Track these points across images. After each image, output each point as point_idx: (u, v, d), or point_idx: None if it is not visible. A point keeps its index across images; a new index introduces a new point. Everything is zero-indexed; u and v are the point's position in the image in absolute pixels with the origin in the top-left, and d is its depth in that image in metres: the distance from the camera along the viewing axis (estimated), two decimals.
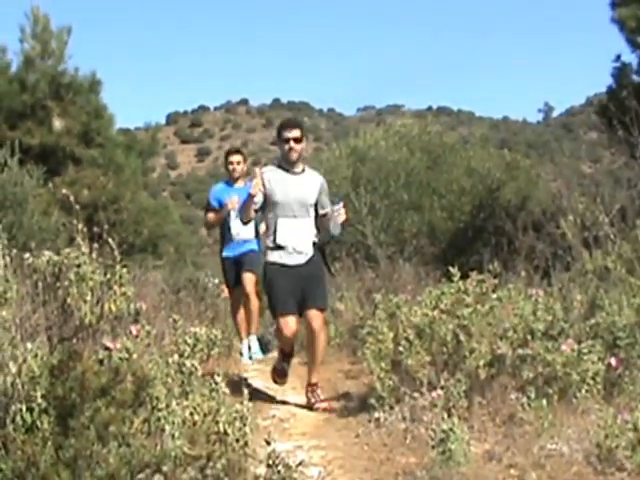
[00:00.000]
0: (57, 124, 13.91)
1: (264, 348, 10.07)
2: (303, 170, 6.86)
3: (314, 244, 6.81)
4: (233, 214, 8.67)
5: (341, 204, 6.80)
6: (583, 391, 5.97)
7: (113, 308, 4.09)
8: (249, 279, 9.03)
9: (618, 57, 12.02)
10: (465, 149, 18.16)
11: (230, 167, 9.25)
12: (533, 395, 5.77)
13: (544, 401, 5.71)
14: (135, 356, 3.89)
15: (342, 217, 6.68)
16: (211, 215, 9.22)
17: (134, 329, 4.38)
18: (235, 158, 9.28)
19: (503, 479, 4.70)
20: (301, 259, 6.72)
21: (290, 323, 6.64)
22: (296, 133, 6.71)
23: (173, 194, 70.19)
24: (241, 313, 9.56)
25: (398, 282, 10.82)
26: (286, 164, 6.75)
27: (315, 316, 6.66)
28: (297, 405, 7.51)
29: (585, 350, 6.17)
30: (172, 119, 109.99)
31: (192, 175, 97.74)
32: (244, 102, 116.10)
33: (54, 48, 14.44)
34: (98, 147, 14.57)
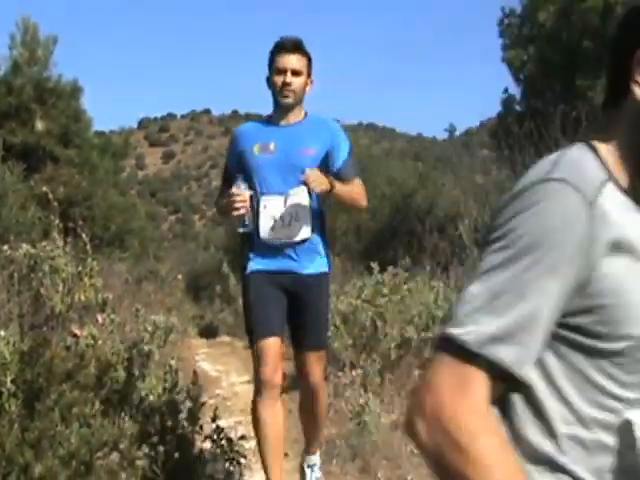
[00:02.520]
0: (39, 125, 13.52)
1: None
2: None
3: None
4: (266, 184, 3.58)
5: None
6: None
7: (83, 298, 3.98)
8: (314, 356, 3.66)
9: (506, 89, 13.13)
10: (387, 161, 18.78)
11: (277, 80, 3.50)
12: None
13: None
14: (100, 342, 3.79)
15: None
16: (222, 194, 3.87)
17: (100, 317, 4.27)
18: (291, 61, 3.50)
19: (406, 445, 4.78)
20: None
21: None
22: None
23: (140, 192, 69.10)
24: (274, 418, 3.61)
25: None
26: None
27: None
28: (239, 384, 7.50)
29: None
30: (143, 124, 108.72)
31: (157, 175, 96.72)
32: (207, 112, 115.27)
33: (40, 55, 14.07)
34: (75, 148, 14.20)
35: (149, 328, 5.86)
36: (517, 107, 13.01)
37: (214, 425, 4.00)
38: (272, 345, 3.39)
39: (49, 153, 13.62)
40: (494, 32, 12.95)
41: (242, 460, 4.00)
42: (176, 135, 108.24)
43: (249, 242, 3.50)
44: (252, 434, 5.43)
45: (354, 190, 3.64)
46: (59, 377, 2.74)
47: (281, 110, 3.48)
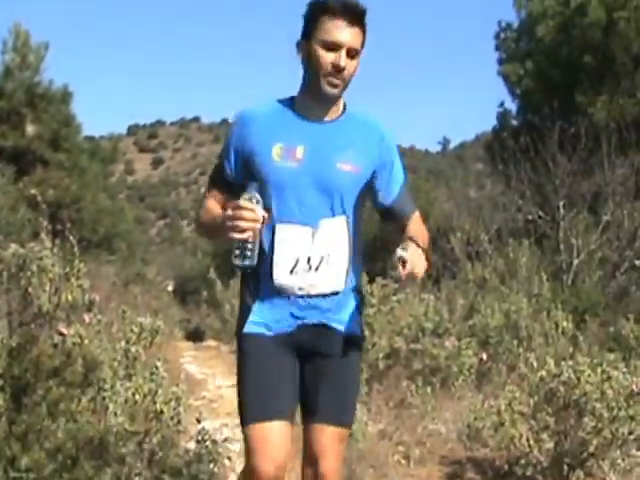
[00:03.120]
0: (30, 129, 13.52)
1: None
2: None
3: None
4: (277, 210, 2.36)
5: None
6: (460, 380, 6.23)
7: (69, 298, 3.98)
8: (334, 434, 2.43)
9: (502, 103, 12.97)
10: None
11: (325, 59, 2.23)
12: (420, 383, 5.96)
13: (429, 388, 5.88)
14: (86, 342, 3.80)
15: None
16: (211, 204, 2.41)
17: (87, 317, 4.28)
18: (351, 35, 2.23)
19: (392, 454, 4.79)
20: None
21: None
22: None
23: (128, 197, 68.89)
24: None
25: None
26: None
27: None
28: (225, 387, 7.51)
29: (463, 346, 6.42)
30: (132, 130, 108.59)
31: (146, 181, 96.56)
32: (196, 119, 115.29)
33: (32, 61, 14.09)
34: (65, 152, 14.19)
35: (135, 329, 5.87)
36: (513, 121, 12.84)
37: (199, 426, 4.02)
38: (278, 432, 2.28)
39: (39, 156, 13.63)
40: (490, 45, 12.83)
41: (226, 462, 4.02)
42: (165, 142, 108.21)
43: (250, 283, 2.36)
44: (237, 436, 5.46)
45: (425, 240, 2.38)
46: (46, 373, 2.76)
47: (318, 99, 2.26)
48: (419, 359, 6.40)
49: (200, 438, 3.98)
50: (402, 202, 2.44)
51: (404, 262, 2.14)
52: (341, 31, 2.22)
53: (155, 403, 4.41)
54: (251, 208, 2.08)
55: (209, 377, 7.93)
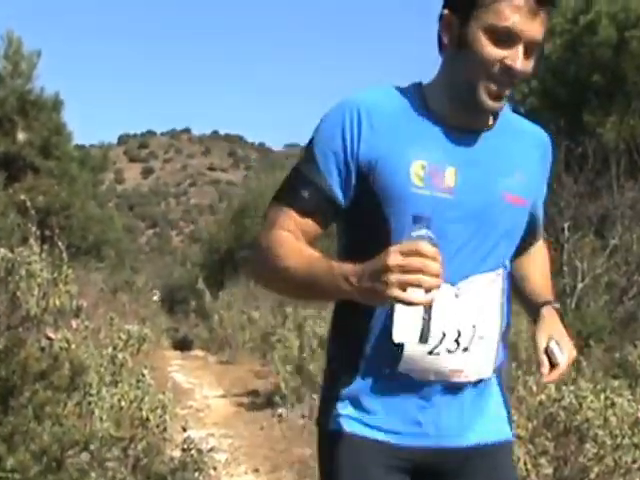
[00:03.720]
0: (21, 136, 13.51)
1: None
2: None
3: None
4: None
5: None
6: None
7: (57, 303, 3.98)
8: None
9: None
10: None
11: (494, 56, 1.43)
12: None
13: None
14: (73, 346, 3.79)
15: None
16: (291, 241, 1.51)
17: (74, 323, 4.27)
18: (535, 26, 1.41)
19: None
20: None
21: None
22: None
23: (118, 206, 68.65)
24: None
25: None
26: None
27: None
28: (212, 397, 7.51)
29: None
30: (123, 140, 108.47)
31: (136, 190, 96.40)
32: (187, 130, 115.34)
33: (24, 69, 14.10)
34: (55, 159, 14.18)
35: (122, 336, 5.86)
36: None
37: (185, 435, 4.02)
38: None
39: (30, 163, 13.63)
40: None
41: (211, 472, 4.02)
42: (156, 152, 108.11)
43: (351, 345, 1.55)
44: (222, 446, 5.46)
45: (549, 275, 1.81)
46: (33, 376, 2.76)
47: (466, 108, 1.52)
48: None
49: (186, 446, 3.98)
50: (539, 224, 1.75)
51: (553, 363, 1.55)
52: (523, 14, 1.40)
53: (141, 410, 4.41)
54: (433, 255, 1.27)
55: (196, 387, 7.93)
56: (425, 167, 1.48)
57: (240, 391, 7.62)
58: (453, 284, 1.48)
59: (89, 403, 3.66)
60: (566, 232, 8.62)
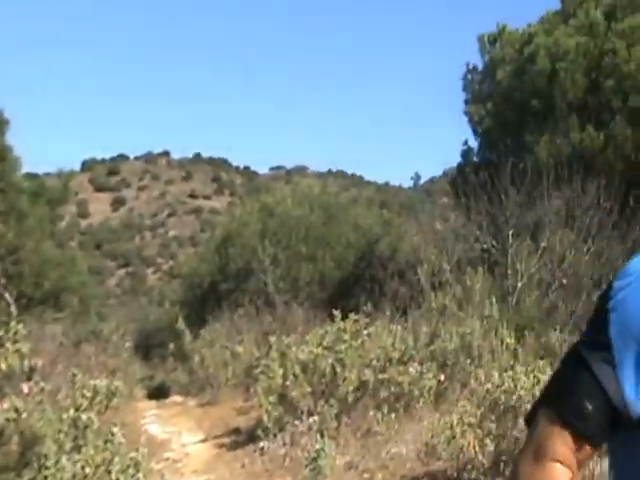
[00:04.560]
0: None
1: None
2: None
3: None
4: None
5: None
6: (421, 403, 7.05)
7: (3, 367, 3.88)
8: None
9: (466, 141, 14.89)
10: (354, 208, 19.90)
11: None
12: (386, 410, 6.65)
13: (393, 415, 6.63)
14: (24, 415, 3.69)
15: None
16: None
17: (26, 387, 4.18)
18: None
19: None
20: None
21: None
22: None
23: (82, 244, 67.84)
24: None
25: (291, 324, 11.37)
26: None
27: None
28: (191, 444, 7.55)
29: (425, 370, 7.27)
30: (87, 166, 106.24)
31: (105, 225, 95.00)
32: (165, 154, 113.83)
33: None
34: None
35: (87, 394, 5.77)
36: (474, 158, 14.76)
37: None
38: None
39: None
40: (459, 86, 14.72)
41: None
42: (128, 179, 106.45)
43: None
44: None
45: None
46: None
47: None
48: (386, 388, 7.07)
49: None
50: None
51: None
52: None
53: (110, 473, 4.33)
54: None
55: (173, 436, 7.93)
56: None
57: (221, 432, 7.85)
58: None
59: (45, 477, 3.56)
60: (510, 239, 10.50)
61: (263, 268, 15.47)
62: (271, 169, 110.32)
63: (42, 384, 4.58)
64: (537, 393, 4.64)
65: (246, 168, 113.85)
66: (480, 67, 14.65)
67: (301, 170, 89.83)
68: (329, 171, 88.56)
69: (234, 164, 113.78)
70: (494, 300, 9.10)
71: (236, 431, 7.79)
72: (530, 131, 12.56)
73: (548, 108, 12.51)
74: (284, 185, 28.21)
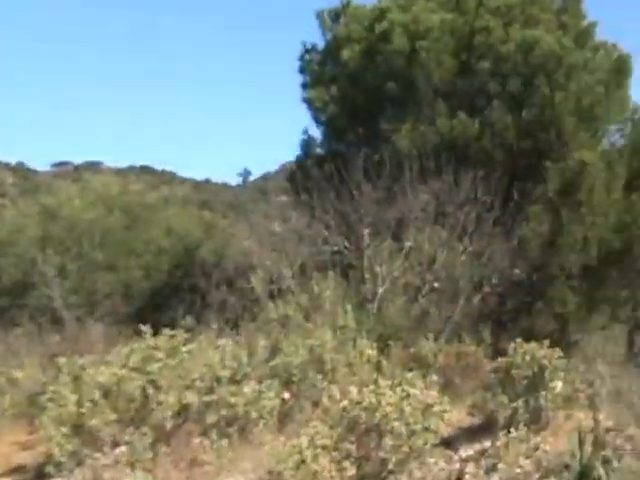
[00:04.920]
0: None
1: None
2: None
3: None
4: None
5: None
6: (261, 425, 6.72)
7: None
8: None
9: (306, 131, 13.76)
10: (165, 209, 18.24)
11: None
12: (215, 437, 6.31)
13: (225, 441, 6.27)
14: None
15: None
16: None
17: None
18: None
19: None
20: None
21: None
22: None
23: None
24: None
25: (86, 343, 10.42)
26: None
27: None
28: None
29: (264, 389, 6.97)
30: None
31: None
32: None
33: None
34: None
35: None
36: (318, 149, 13.61)
37: None
38: None
39: None
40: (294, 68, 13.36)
41: None
42: None
43: None
44: None
45: None
46: None
47: None
48: (214, 411, 6.67)
49: None
50: None
51: None
52: None
53: None
54: None
55: None
56: None
57: (1, 471, 7.48)
58: None
59: None
60: (366, 238, 9.96)
61: (46, 280, 13.97)
62: (54, 165, 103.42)
63: None
64: (405, 408, 5.02)
65: (20, 164, 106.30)
66: (321, 47, 13.47)
67: (93, 166, 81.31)
68: (130, 167, 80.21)
69: (3, 160, 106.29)
70: (349, 308, 8.65)
71: (20, 469, 7.39)
72: (387, 118, 11.63)
73: (408, 92, 11.59)
74: (71, 184, 25.77)
